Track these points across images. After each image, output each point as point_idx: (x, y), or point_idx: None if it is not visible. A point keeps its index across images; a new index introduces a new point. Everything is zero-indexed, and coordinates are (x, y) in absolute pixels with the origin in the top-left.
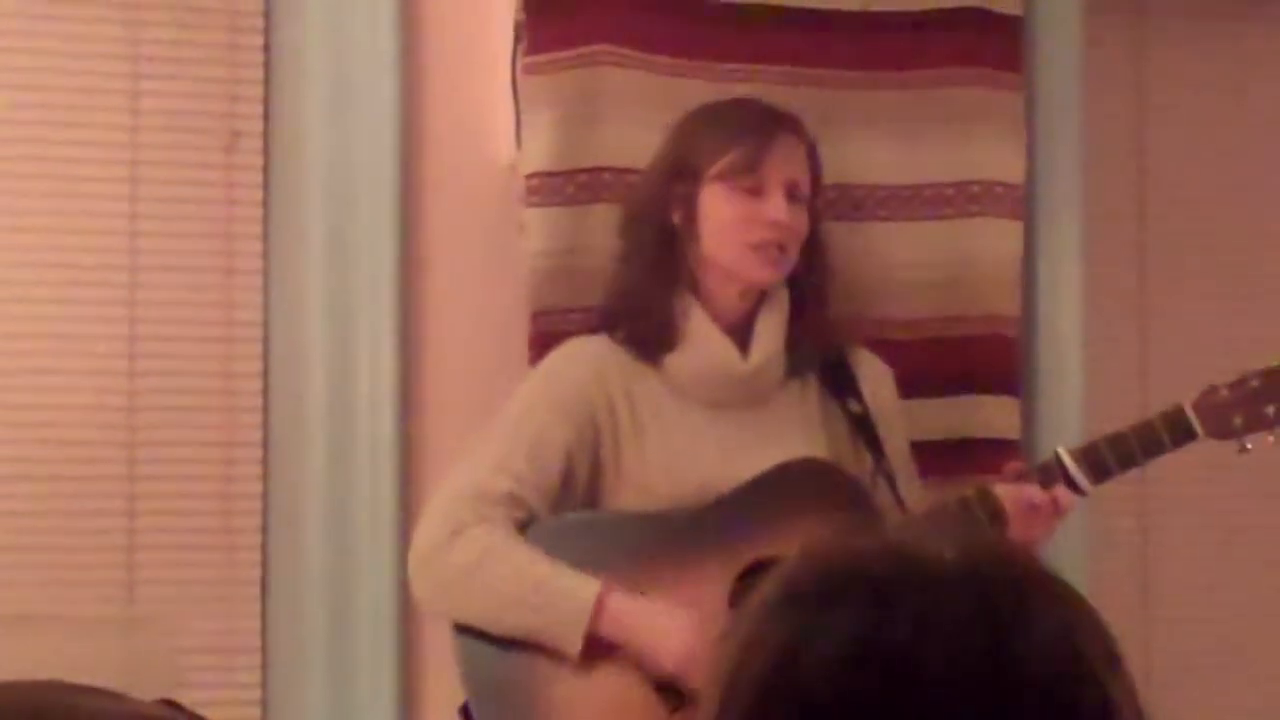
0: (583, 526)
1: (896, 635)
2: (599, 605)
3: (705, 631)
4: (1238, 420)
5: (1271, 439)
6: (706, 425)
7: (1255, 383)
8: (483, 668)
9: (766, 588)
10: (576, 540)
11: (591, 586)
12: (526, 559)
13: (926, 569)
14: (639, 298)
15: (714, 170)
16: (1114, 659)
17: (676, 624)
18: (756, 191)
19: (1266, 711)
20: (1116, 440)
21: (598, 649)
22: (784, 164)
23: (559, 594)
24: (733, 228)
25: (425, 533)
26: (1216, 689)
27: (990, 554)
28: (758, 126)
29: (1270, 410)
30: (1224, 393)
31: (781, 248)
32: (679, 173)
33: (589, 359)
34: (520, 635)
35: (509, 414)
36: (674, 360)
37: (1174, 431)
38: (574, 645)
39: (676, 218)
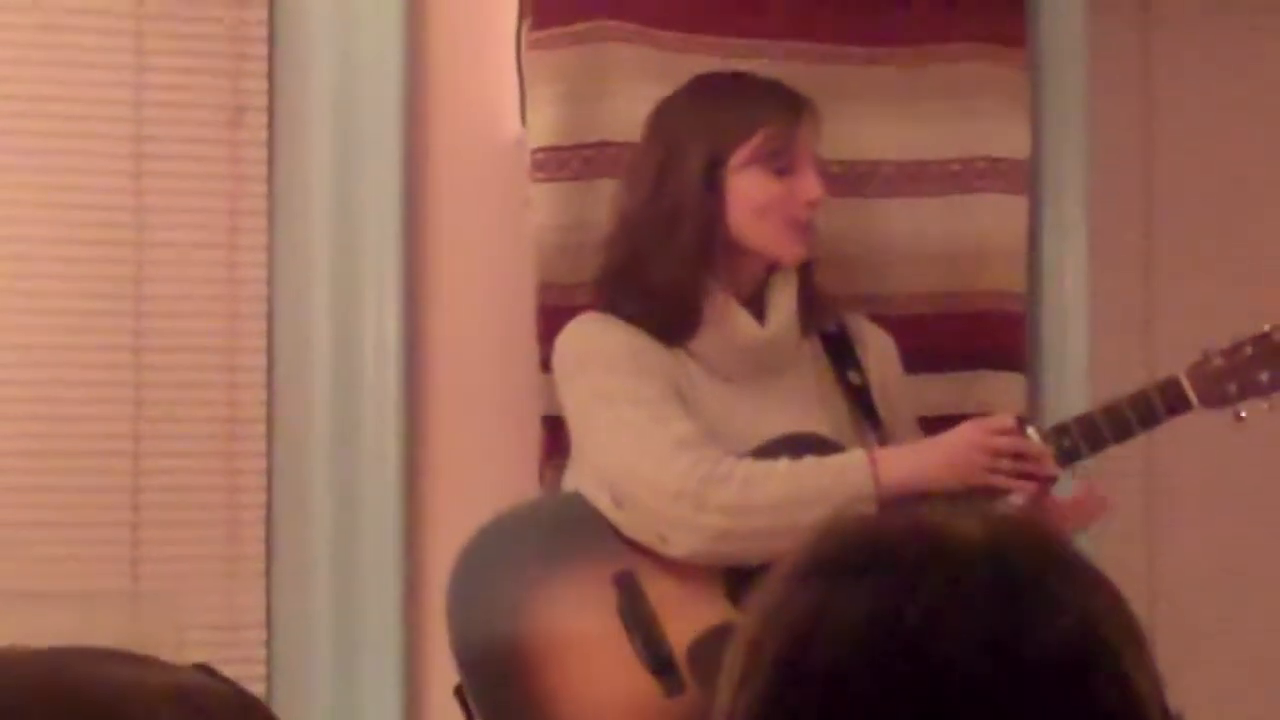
0: (554, 513)
1: (917, 612)
2: (874, 467)
3: (984, 434)
4: (1232, 388)
5: (1267, 406)
6: (727, 398)
7: (1249, 349)
8: (476, 655)
9: (790, 559)
10: (554, 528)
11: (858, 456)
12: (778, 468)
13: (951, 547)
14: (670, 285)
15: (743, 155)
16: (1138, 646)
17: (954, 446)
18: (788, 171)
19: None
20: (1088, 420)
21: (591, 627)
22: (809, 142)
23: (834, 471)
24: (768, 211)
25: (665, 504)
26: (1222, 659)
27: (1017, 535)
28: (783, 105)
29: (1264, 377)
30: (1218, 360)
31: (810, 223)
32: (705, 158)
33: (618, 327)
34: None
35: (614, 393)
36: (700, 338)
37: (1169, 402)
38: (869, 507)
39: (706, 203)
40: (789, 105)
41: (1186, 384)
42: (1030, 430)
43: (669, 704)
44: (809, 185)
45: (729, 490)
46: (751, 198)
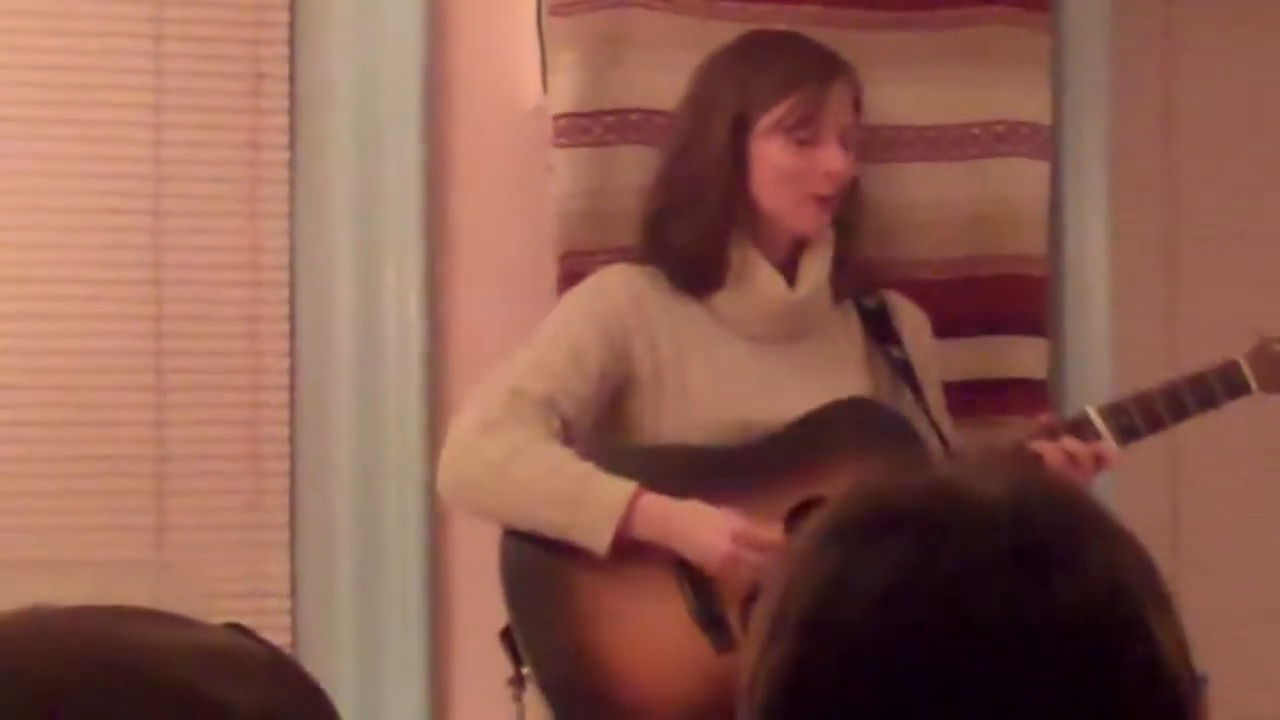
0: (623, 455)
1: (941, 573)
2: (632, 503)
3: (749, 529)
4: None
5: None
6: (750, 359)
7: None
8: (530, 608)
9: (815, 521)
10: (616, 468)
11: (625, 486)
12: (559, 458)
13: (975, 507)
14: (693, 243)
15: (769, 121)
16: (1163, 602)
17: (718, 523)
18: (812, 142)
19: None
20: (1146, 399)
21: (645, 581)
22: (837, 111)
23: (591, 490)
24: (788, 180)
25: (457, 428)
26: (1247, 626)
27: (1040, 493)
28: (814, 73)
29: None
30: (1277, 345)
31: (832, 196)
32: (732, 118)
33: (630, 283)
34: (548, 532)
35: (548, 324)
36: (721, 296)
37: (1229, 385)
38: (603, 541)
39: (730, 163)
40: (822, 74)
41: (1246, 368)
42: (1089, 409)
43: (718, 660)
44: (831, 158)
45: (497, 447)
46: (772, 165)
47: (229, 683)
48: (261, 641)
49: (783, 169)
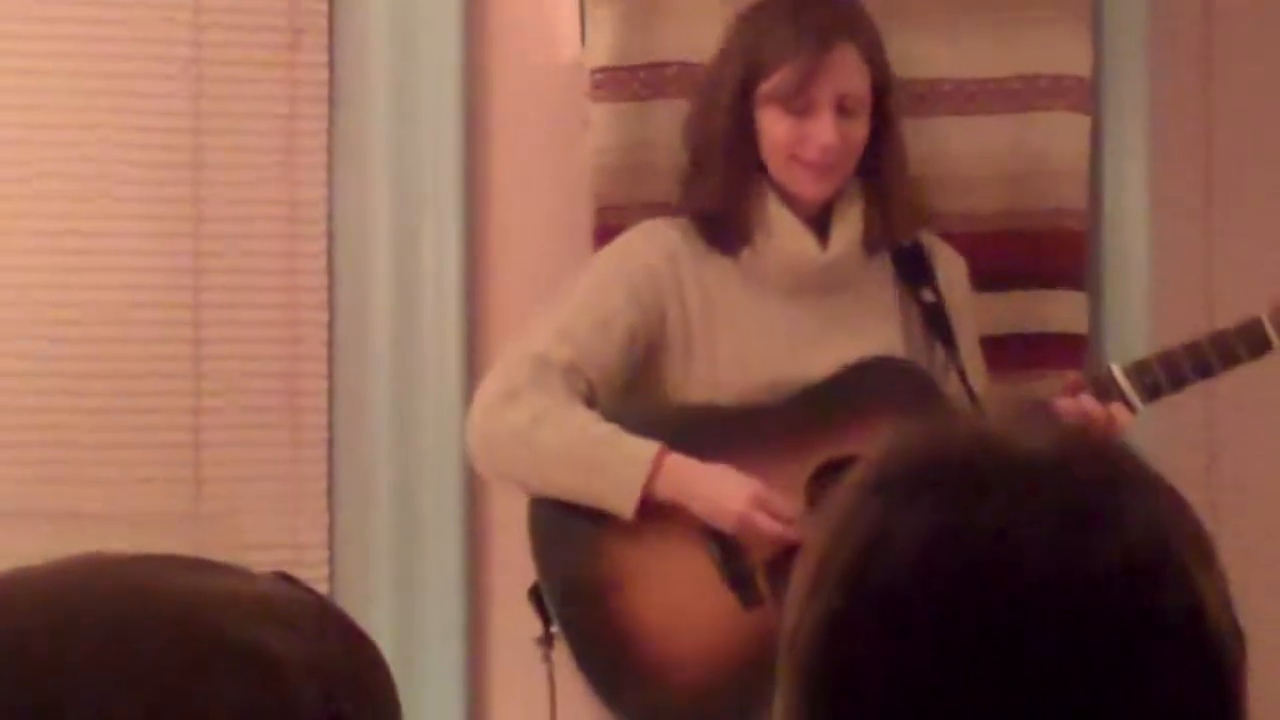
0: (651, 415)
1: (984, 524)
2: (657, 463)
3: (768, 496)
4: None
5: None
6: (780, 316)
7: None
8: (558, 566)
9: (857, 473)
10: (644, 429)
11: (650, 446)
12: (583, 421)
13: (1017, 459)
14: (715, 193)
15: (764, 90)
16: (1205, 555)
17: (737, 485)
18: (806, 111)
19: None
20: (1170, 357)
21: (672, 538)
22: (835, 79)
23: (615, 453)
24: (783, 148)
25: (482, 394)
26: None
27: (1083, 446)
28: (811, 40)
29: None
30: None
31: (831, 166)
32: (740, 80)
33: (664, 240)
34: (572, 496)
35: (578, 286)
36: (749, 251)
37: (1251, 343)
38: (628, 504)
39: (739, 124)
40: (818, 44)
41: (1269, 325)
42: (1113, 367)
43: (745, 617)
44: (822, 130)
45: (521, 414)
46: (769, 134)
47: (278, 631)
48: (309, 590)
49: (775, 138)
